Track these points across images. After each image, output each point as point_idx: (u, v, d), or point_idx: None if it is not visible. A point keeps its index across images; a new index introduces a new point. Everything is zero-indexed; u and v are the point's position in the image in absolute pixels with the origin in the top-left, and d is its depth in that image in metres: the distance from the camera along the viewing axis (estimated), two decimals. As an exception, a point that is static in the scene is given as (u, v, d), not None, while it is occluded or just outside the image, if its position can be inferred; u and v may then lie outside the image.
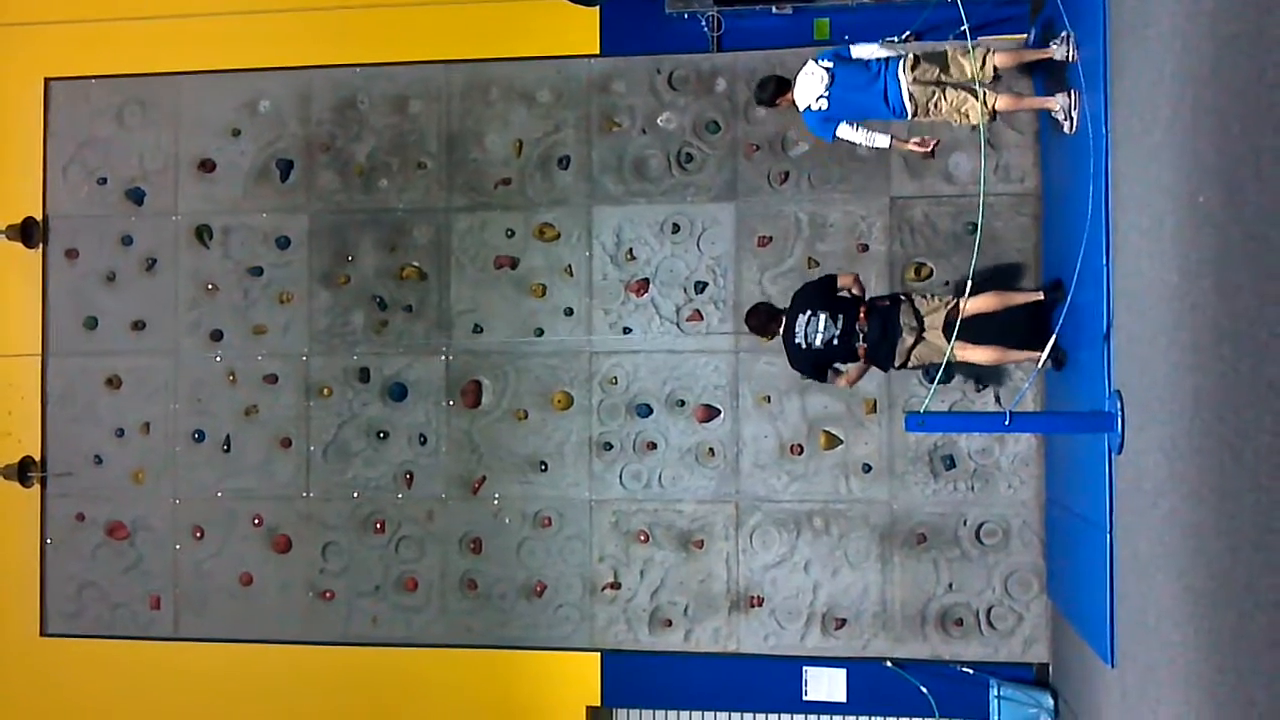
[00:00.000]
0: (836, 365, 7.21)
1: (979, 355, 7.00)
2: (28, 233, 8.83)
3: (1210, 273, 4.13)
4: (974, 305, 6.76)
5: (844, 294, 7.12)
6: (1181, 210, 4.50)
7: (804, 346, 7.03)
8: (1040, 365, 6.52)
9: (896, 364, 7.03)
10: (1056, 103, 6.55)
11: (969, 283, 6.34)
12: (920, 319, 6.92)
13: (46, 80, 8.95)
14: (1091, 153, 5.79)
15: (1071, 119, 6.41)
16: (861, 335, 6.92)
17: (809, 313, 7.00)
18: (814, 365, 7.19)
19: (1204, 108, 4.21)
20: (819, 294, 7.09)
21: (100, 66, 8.91)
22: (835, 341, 6.95)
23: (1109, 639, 5.66)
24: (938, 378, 6.81)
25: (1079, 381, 6.40)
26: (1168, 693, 4.70)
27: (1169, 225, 4.68)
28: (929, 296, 7.10)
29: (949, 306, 6.87)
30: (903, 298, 7.03)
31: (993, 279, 7.48)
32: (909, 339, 6.89)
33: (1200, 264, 4.26)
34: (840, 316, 6.96)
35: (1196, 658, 4.28)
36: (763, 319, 7.20)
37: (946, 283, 7.82)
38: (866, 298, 7.14)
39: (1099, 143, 5.77)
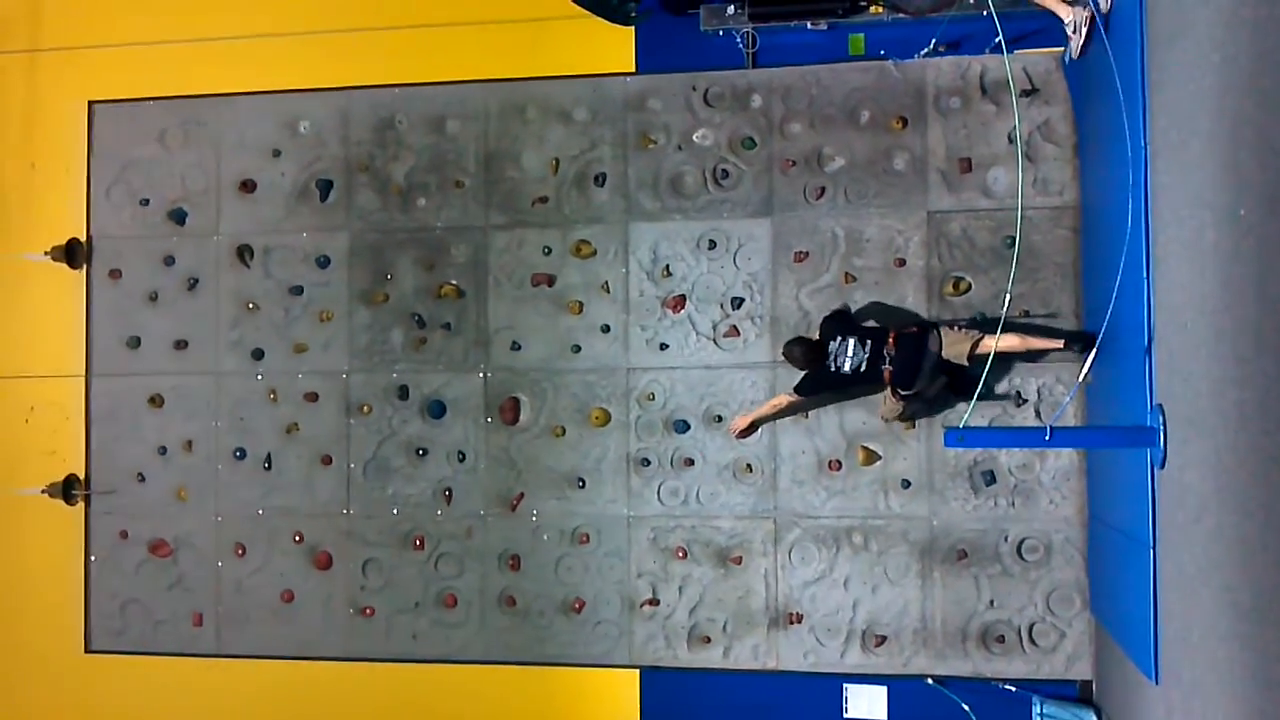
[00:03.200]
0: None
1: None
2: (72, 254, 8.95)
3: (1252, 285, 4.10)
4: (997, 344, 6.99)
5: (870, 323, 7.74)
6: (1222, 223, 4.47)
7: (832, 370, 7.47)
8: (1082, 378, 6.54)
9: (916, 389, 7.40)
10: (1069, 12, 6.76)
11: (1002, 319, 6.45)
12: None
13: (90, 103, 9.08)
14: (1130, 165, 5.76)
15: (1081, 34, 6.65)
16: (888, 359, 7.33)
17: (839, 339, 7.47)
18: (835, 389, 7.79)
19: (1244, 119, 4.18)
20: (844, 322, 7.61)
21: (143, 89, 9.03)
22: (863, 367, 7.39)
23: (1153, 655, 5.60)
24: (976, 393, 6.79)
25: (1120, 396, 6.36)
26: (1213, 709, 4.65)
27: (1209, 238, 4.65)
28: (955, 328, 7.47)
29: (973, 340, 7.26)
30: (931, 328, 7.43)
31: (1028, 329, 7.62)
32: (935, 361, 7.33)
33: (1242, 277, 4.22)
34: (869, 342, 7.40)
35: (1243, 674, 4.23)
36: (800, 351, 7.60)
37: (975, 320, 7.79)
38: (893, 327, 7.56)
39: (1138, 155, 5.74)
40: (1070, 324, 7.69)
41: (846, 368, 7.42)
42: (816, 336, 7.65)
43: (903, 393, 7.46)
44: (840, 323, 7.60)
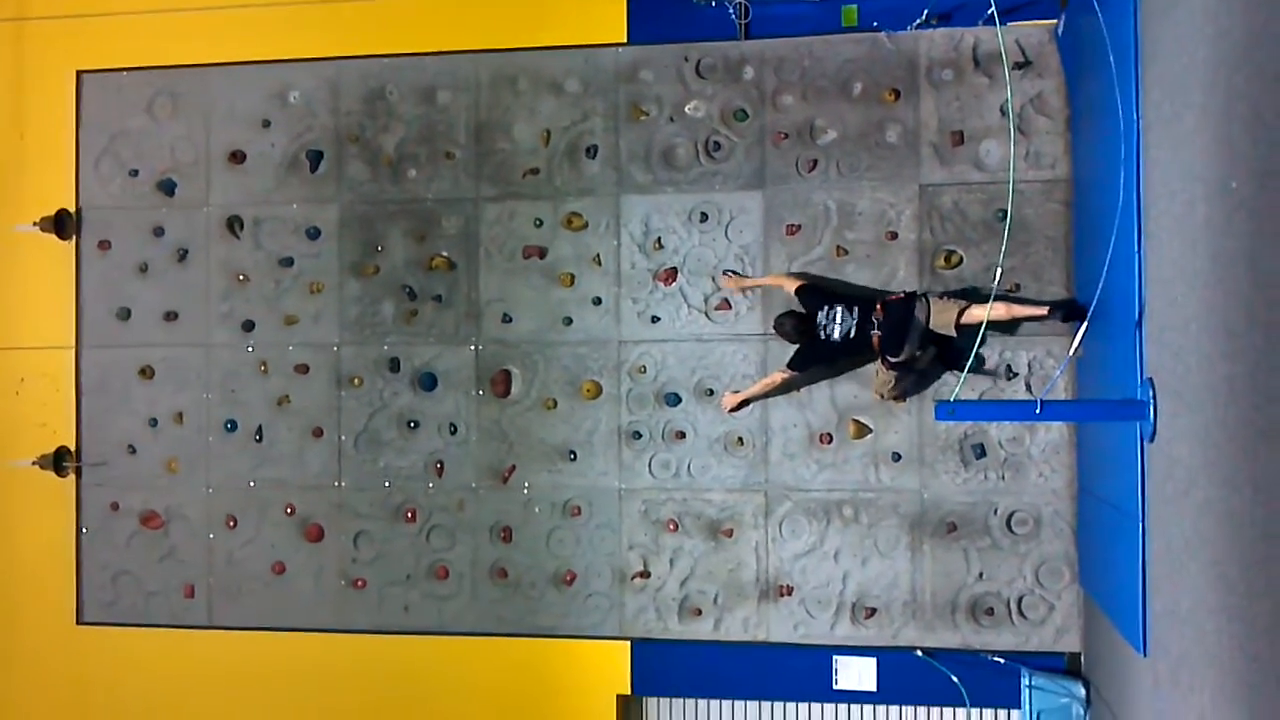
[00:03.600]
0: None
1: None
2: (61, 224, 8.91)
3: (1243, 259, 4.10)
4: (982, 314, 7.04)
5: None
6: (1213, 196, 4.46)
7: (823, 339, 7.57)
8: (1072, 352, 6.55)
9: (903, 356, 7.43)
10: None
11: (994, 289, 6.42)
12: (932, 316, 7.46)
13: (78, 73, 9.02)
14: (1123, 138, 5.74)
15: None
16: (876, 324, 7.44)
17: (827, 307, 7.57)
18: (827, 361, 7.81)
19: (1237, 93, 4.17)
20: (826, 293, 7.67)
21: (131, 59, 8.97)
22: (852, 334, 7.49)
23: (1141, 628, 5.63)
24: (968, 366, 6.79)
25: (1111, 369, 6.37)
26: (1200, 681, 4.68)
27: (1201, 211, 4.64)
28: (943, 297, 7.53)
29: (959, 309, 7.35)
30: (919, 296, 7.49)
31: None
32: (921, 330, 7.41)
33: (1233, 251, 4.22)
34: (856, 309, 7.51)
35: (1230, 646, 4.25)
36: (792, 324, 7.68)
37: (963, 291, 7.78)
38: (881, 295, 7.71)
39: (1130, 128, 5.72)
40: (1059, 296, 7.68)
41: (836, 335, 7.50)
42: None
43: (891, 360, 7.48)
44: (823, 294, 7.66)
